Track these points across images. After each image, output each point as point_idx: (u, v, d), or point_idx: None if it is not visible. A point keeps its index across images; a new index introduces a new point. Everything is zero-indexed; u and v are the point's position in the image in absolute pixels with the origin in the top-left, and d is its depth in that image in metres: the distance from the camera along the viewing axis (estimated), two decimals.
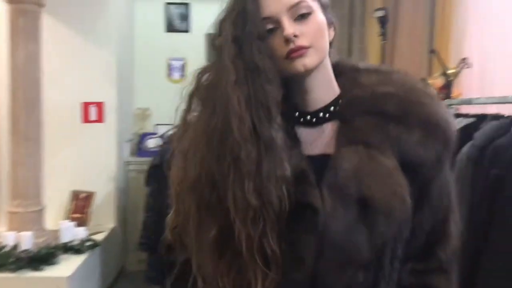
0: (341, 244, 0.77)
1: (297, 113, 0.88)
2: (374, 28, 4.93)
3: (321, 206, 0.78)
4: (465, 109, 2.61)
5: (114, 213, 3.89)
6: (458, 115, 2.49)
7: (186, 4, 4.81)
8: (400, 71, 0.91)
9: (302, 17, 0.81)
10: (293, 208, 0.76)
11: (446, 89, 3.11)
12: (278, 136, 0.78)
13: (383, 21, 3.33)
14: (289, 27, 0.79)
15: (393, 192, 0.78)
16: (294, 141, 0.84)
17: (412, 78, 0.90)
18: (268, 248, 0.74)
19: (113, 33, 3.84)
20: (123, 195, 4.12)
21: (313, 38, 0.81)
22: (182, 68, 4.79)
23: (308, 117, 0.87)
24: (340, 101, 0.88)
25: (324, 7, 0.86)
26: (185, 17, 4.80)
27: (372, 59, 4.96)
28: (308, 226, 0.78)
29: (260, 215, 0.74)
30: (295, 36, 0.79)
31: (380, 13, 3.34)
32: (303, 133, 0.87)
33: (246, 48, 0.78)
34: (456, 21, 3.55)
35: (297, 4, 0.80)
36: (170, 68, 4.80)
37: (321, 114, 0.87)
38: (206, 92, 0.81)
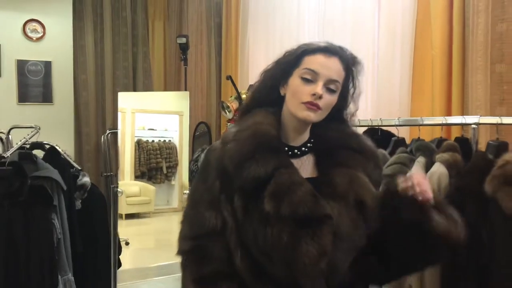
0: (350, 236, 1.08)
1: (286, 148, 1.19)
2: (157, 49, 5.06)
3: (332, 212, 1.08)
4: None
5: None
6: None
7: None
8: None
9: (329, 90, 1.14)
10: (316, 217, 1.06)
11: None
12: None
13: (184, 47, 3.43)
14: (320, 89, 1.12)
15: (374, 196, 1.13)
16: (295, 169, 1.14)
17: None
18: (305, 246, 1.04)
19: None
20: None
21: (326, 106, 1.14)
22: None
23: (295, 150, 1.20)
24: (312, 140, 1.22)
25: (343, 91, 1.18)
26: None
27: (157, 78, 5.04)
28: (328, 228, 1.06)
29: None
30: (320, 97, 1.12)
31: (181, 40, 3.42)
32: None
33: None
34: (241, 51, 3.90)
35: (334, 81, 1.14)
36: None
37: (303, 149, 1.20)
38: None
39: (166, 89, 5.02)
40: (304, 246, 1.03)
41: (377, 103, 2.67)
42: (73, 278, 2.89)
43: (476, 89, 2.16)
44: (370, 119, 2.10)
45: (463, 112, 2.22)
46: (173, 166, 5.57)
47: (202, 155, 3.00)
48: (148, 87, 4.94)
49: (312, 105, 1.12)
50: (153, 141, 5.55)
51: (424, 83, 2.49)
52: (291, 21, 3.48)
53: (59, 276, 2.83)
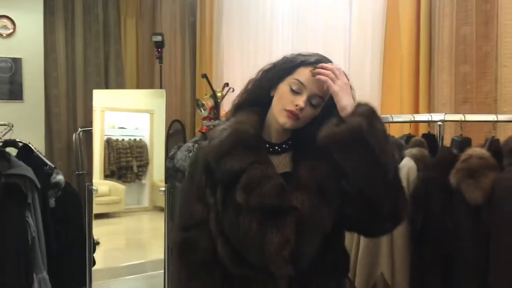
0: (313, 221, 1.16)
1: (267, 145, 1.28)
2: (129, 46, 5.03)
3: (297, 203, 1.16)
4: None
5: None
6: None
7: None
8: None
9: (311, 103, 1.22)
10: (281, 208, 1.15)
11: (216, 109, 3.45)
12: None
13: (159, 45, 3.45)
14: (303, 102, 1.20)
15: (336, 184, 1.18)
16: (270, 164, 1.23)
17: None
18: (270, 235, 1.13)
19: None
20: None
21: (305, 117, 1.22)
22: None
23: (276, 147, 1.28)
24: (292, 138, 1.30)
25: (327, 103, 1.24)
26: None
27: (129, 76, 5.02)
28: (291, 218, 1.15)
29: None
30: (301, 109, 1.20)
31: (157, 38, 3.44)
32: (271, 158, 1.26)
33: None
34: (215, 50, 3.95)
35: (318, 96, 1.22)
36: None
37: (283, 146, 1.29)
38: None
39: (138, 87, 5.01)
40: (269, 235, 1.13)
41: None
42: (47, 276, 2.88)
43: (441, 88, 2.29)
44: None
45: (429, 110, 2.34)
46: (144, 165, 5.55)
47: (178, 153, 3.03)
48: (120, 85, 4.92)
49: (292, 114, 1.20)
50: (123, 139, 5.51)
51: (393, 82, 2.61)
52: (265, 21, 3.55)
53: (34, 275, 2.82)
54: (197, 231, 1.24)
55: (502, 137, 1.76)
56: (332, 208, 1.18)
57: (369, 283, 1.77)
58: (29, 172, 2.88)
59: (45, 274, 2.88)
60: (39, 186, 2.92)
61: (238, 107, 1.31)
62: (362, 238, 1.80)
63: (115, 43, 4.94)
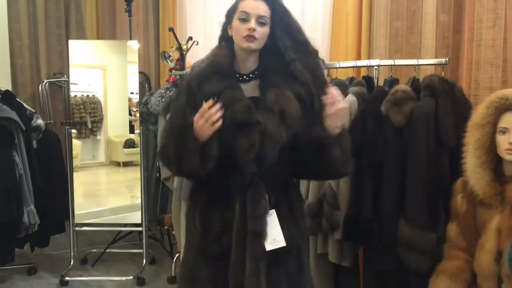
0: (274, 134, 1.47)
1: (238, 75, 1.58)
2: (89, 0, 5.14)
3: (262, 119, 1.48)
4: None
5: None
6: None
7: None
8: None
9: (260, 23, 1.51)
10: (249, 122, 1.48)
11: (181, 61, 3.77)
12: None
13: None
14: (254, 24, 1.50)
15: (295, 108, 1.50)
16: (240, 89, 1.55)
17: None
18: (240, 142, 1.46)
19: None
20: None
21: (261, 36, 1.52)
22: None
23: (244, 76, 1.59)
24: (259, 69, 1.60)
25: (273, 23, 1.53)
26: None
27: (89, 30, 5.17)
28: (256, 130, 1.47)
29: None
30: (254, 30, 1.49)
31: None
32: (241, 85, 1.58)
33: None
34: (179, 5, 4.21)
35: (262, 16, 1.52)
36: None
37: (250, 75, 1.59)
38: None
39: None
40: (239, 141, 1.47)
41: None
42: (35, 209, 3.21)
43: (379, 40, 2.77)
44: None
45: (369, 58, 2.82)
46: (98, 121, 5.75)
47: (152, 98, 3.38)
48: (81, 39, 5.06)
49: (250, 37, 1.50)
50: (75, 96, 5.63)
51: (340, 35, 3.07)
52: None
53: (24, 207, 3.13)
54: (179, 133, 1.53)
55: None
56: (289, 127, 1.49)
57: (320, 192, 2.27)
58: (13, 115, 3.14)
59: (32, 207, 3.20)
60: (23, 128, 3.20)
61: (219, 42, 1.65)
62: None
63: None
